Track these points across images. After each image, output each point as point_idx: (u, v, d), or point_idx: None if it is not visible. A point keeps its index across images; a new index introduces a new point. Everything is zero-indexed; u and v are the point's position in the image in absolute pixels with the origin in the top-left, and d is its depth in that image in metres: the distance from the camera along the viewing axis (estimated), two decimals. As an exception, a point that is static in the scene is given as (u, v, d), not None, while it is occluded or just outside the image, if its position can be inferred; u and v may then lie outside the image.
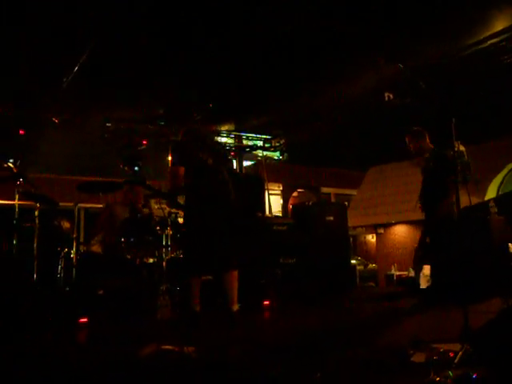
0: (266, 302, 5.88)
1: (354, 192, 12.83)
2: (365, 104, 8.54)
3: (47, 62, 6.57)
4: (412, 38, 6.32)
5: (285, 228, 6.95)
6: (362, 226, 11.92)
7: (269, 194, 9.71)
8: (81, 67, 6.61)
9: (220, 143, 9.47)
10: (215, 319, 4.83)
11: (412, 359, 2.91)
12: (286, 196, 12.73)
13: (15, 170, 5.17)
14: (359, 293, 7.61)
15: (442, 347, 2.90)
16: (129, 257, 5.36)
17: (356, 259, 10.87)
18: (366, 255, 12.11)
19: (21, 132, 6.66)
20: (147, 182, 5.29)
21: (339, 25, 5.99)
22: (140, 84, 7.21)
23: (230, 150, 10.50)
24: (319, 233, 7.14)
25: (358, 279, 9.52)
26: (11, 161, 5.28)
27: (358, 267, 10.23)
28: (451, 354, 2.73)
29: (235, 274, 4.67)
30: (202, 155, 4.74)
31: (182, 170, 4.69)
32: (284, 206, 12.30)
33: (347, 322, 4.85)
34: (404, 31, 6.19)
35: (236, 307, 4.62)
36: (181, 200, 5.01)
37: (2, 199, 5.76)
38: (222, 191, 4.76)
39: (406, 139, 5.66)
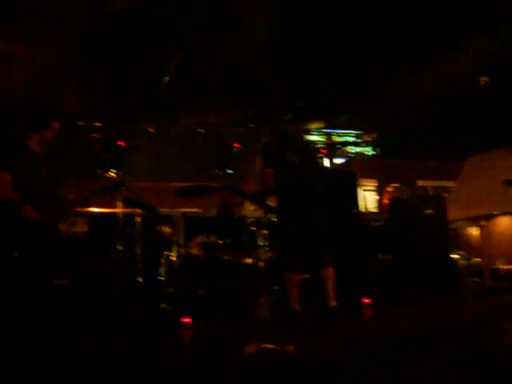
0: (365, 300, 5.78)
1: (452, 184, 12.29)
2: (460, 90, 8.16)
3: (139, 73, 6.88)
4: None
5: (381, 224, 6.80)
6: (462, 219, 11.38)
7: (363, 190, 9.54)
8: (172, 75, 6.85)
9: (309, 142, 9.43)
10: (314, 317, 4.82)
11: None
12: (380, 191, 12.43)
13: (117, 180, 5.45)
14: (464, 289, 7.26)
15: None
16: (227, 258, 5.48)
17: (458, 254, 10.39)
18: (469, 249, 11.54)
19: (120, 143, 7.01)
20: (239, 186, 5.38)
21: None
22: (229, 88, 7.34)
23: (320, 148, 10.42)
24: (418, 227, 6.91)
25: (461, 275, 9.09)
26: (113, 171, 5.58)
27: (461, 262, 9.77)
28: None
29: (331, 270, 4.64)
30: (289, 155, 4.77)
31: (270, 171, 4.76)
32: (379, 202, 12.02)
33: (453, 320, 4.65)
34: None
35: (333, 304, 4.60)
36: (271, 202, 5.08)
37: (106, 207, 6.08)
38: (311, 190, 4.76)
39: None
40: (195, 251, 5.91)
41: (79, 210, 5.69)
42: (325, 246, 4.70)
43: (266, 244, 5.60)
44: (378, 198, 12.33)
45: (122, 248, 5.42)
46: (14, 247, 4.15)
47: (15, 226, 4.14)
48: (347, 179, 7.29)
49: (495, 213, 10.36)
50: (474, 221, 11.14)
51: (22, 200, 4.17)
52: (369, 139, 11.22)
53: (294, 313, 4.67)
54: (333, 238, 4.81)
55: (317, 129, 10.39)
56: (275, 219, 5.72)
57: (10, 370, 3.16)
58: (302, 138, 6.61)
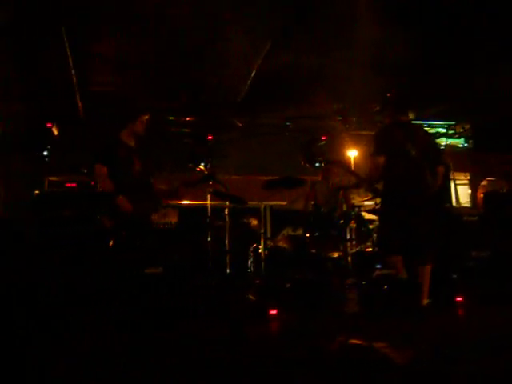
0: (459, 299, 5.54)
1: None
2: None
3: (226, 70, 6.99)
4: None
5: (476, 219, 6.51)
6: None
7: (455, 185, 9.17)
8: (258, 70, 6.90)
9: (432, 136, 9.02)
10: (405, 314, 4.70)
11: None
12: (474, 185, 11.88)
13: (206, 173, 5.58)
14: None
15: None
16: (314, 251, 5.46)
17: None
18: None
19: (209, 137, 7.18)
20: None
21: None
22: (315, 81, 7.28)
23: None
24: (516, 223, 6.55)
25: None
26: (202, 164, 5.71)
27: None
28: None
29: (429, 268, 4.51)
30: (407, 146, 4.62)
31: (381, 159, 4.64)
32: (473, 196, 11.50)
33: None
34: None
35: (426, 301, 4.46)
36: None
37: (196, 200, 6.26)
38: (421, 184, 4.60)
39: None
40: (282, 244, 5.94)
41: (170, 201, 5.90)
42: (426, 242, 4.55)
43: (354, 238, 5.52)
44: (470, 192, 11.79)
45: (210, 239, 5.55)
46: (110, 237, 4.36)
47: (113, 216, 4.35)
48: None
49: None
50: None
51: (117, 192, 4.36)
52: (461, 130, 10.73)
53: (383, 307, 4.58)
54: (432, 234, 4.65)
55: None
56: (366, 212, 5.64)
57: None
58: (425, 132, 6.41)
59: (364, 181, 5.09)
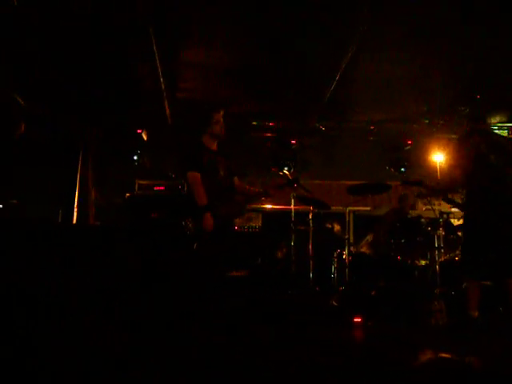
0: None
1: None
2: None
3: (311, 75, 6.99)
4: None
5: None
6: None
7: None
8: (341, 75, 6.84)
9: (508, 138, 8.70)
10: (494, 327, 4.49)
11: None
12: None
13: (290, 177, 5.60)
14: None
15: None
16: (399, 258, 5.34)
17: None
18: None
19: (293, 142, 7.20)
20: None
21: None
22: (402, 83, 7.13)
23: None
24: None
25: None
26: (286, 168, 5.75)
27: None
28: None
29: None
30: (490, 155, 4.47)
31: (459, 171, 4.54)
32: None
33: None
34: None
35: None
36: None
37: (281, 204, 6.30)
38: (504, 191, 4.42)
39: None
40: (365, 250, 5.86)
41: (255, 205, 5.98)
42: None
43: (442, 245, 5.33)
44: None
45: (294, 244, 5.57)
46: (194, 240, 4.46)
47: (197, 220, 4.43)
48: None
49: None
50: None
51: (207, 203, 4.43)
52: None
53: (472, 320, 4.40)
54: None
55: (499, 123, 9.62)
56: (454, 220, 5.45)
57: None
58: (505, 137, 6.12)
59: (438, 191, 4.97)
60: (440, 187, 4.87)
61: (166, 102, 7.94)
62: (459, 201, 4.92)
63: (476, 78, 7.22)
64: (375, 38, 5.97)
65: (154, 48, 6.14)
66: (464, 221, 4.77)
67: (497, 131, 9.38)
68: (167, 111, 8.24)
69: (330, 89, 7.29)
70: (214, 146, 4.72)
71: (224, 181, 4.66)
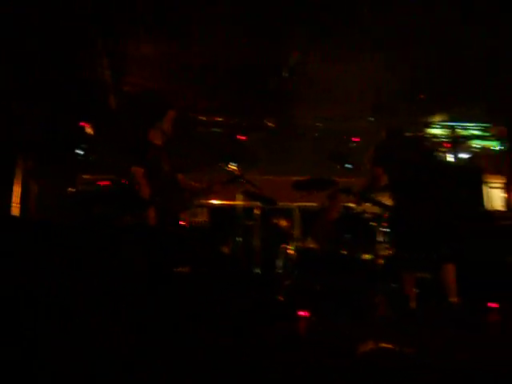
0: (491, 305, 5.42)
1: None
2: None
3: (256, 69, 7.01)
4: None
5: (510, 223, 6.37)
6: None
7: (489, 187, 8.98)
8: (289, 71, 6.90)
9: (426, 139, 9.04)
10: (434, 317, 4.63)
11: None
12: (508, 189, 11.63)
13: (237, 173, 5.58)
14: None
15: None
16: (344, 253, 5.42)
17: None
18: None
19: (240, 137, 7.18)
20: None
21: None
22: (349, 81, 7.25)
23: (443, 143, 9.94)
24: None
25: None
26: (233, 164, 5.72)
27: None
28: None
29: (451, 267, 4.48)
30: (403, 153, 4.66)
31: (380, 170, 4.71)
32: (508, 200, 11.26)
33: None
34: None
35: (455, 300, 4.43)
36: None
37: (228, 200, 6.27)
38: (427, 188, 4.61)
39: None
40: (312, 245, 5.91)
41: (200, 200, 5.94)
42: (444, 242, 4.53)
43: (386, 240, 5.44)
44: (505, 195, 11.55)
45: (240, 239, 5.55)
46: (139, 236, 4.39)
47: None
48: (472, 175, 6.92)
49: None
50: None
51: (150, 199, 4.38)
52: (496, 133, 10.53)
53: (411, 312, 4.55)
54: (453, 235, 4.63)
55: (440, 122, 9.93)
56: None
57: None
58: (419, 134, 6.38)
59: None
60: (361, 188, 5.03)
61: (111, 96, 7.78)
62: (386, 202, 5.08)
63: (420, 78, 7.44)
64: (323, 36, 6.06)
65: (99, 40, 6.02)
66: (390, 218, 4.92)
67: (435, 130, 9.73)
68: (113, 104, 8.08)
69: (278, 85, 7.34)
70: (160, 142, 4.67)
71: (168, 176, 4.62)
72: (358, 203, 5.47)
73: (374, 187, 4.98)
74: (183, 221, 5.30)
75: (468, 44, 6.46)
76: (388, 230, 5.50)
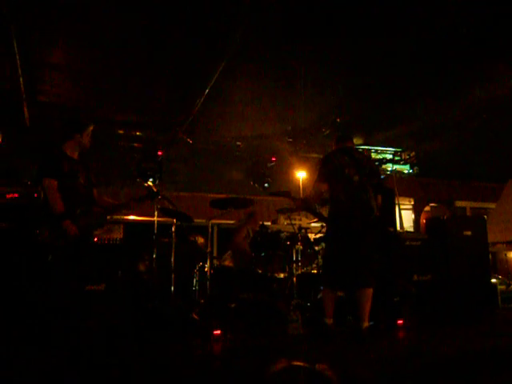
0: (400, 321, 5.64)
1: (491, 205, 12.00)
2: (502, 110, 8.00)
3: (179, 86, 6.99)
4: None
5: (419, 243, 6.67)
6: (502, 243, 11.06)
7: (400, 209, 9.39)
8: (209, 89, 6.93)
9: (372, 160, 9.34)
10: (346, 336, 4.75)
11: None
12: (417, 211, 12.25)
13: (154, 189, 5.50)
14: (501, 314, 7.05)
15: None
16: (260, 271, 5.45)
17: (497, 278, 10.09)
18: (507, 274, 11.20)
19: (159, 153, 7.10)
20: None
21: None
22: (268, 101, 7.38)
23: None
24: (456, 249, 6.75)
25: (499, 300, 8.83)
26: (151, 180, 5.64)
27: (500, 287, 9.48)
28: None
29: (370, 291, 4.58)
30: (349, 171, 4.74)
31: (324, 186, 4.77)
32: (416, 221, 11.84)
33: (488, 345, 4.50)
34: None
35: (366, 324, 4.53)
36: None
37: (144, 216, 6.16)
38: (365, 208, 4.71)
39: None
40: (228, 263, 5.91)
41: (116, 216, 5.79)
42: (366, 265, 4.64)
43: (300, 259, 5.55)
44: (414, 217, 12.14)
45: (156, 256, 5.46)
46: (49, 251, 4.21)
47: (54, 230, 4.20)
48: (384, 197, 7.18)
49: (536, 238, 10.05)
50: (514, 245, 10.81)
51: (65, 212, 4.21)
52: (407, 157, 11.07)
53: (327, 328, 4.62)
54: (374, 257, 4.75)
55: (355, 145, 10.30)
56: (311, 235, 5.69)
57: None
58: (365, 155, 6.57)
59: (302, 204, 5.18)
60: (305, 200, 5.08)
61: (24, 104, 7.47)
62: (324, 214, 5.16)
63: (336, 103, 7.71)
64: (242, 58, 6.14)
65: (15, 47, 5.77)
66: (326, 232, 5.01)
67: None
68: (26, 113, 7.76)
69: (198, 102, 7.34)
70: (76, 155, 4.52)
71: (83, 190, 4.47)
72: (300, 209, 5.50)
73: (315, 201, 5.03)
74: (97, 237, 5.15)
75: (381, 74, 6.77)
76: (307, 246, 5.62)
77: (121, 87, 7.13)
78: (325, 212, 5.04)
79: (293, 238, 5.58)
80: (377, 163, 10.83)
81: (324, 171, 4.84)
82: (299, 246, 5.56)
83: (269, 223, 6.16)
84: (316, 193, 4.85)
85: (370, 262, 4.67)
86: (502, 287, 9.77)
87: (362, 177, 4.78)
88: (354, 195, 4.71)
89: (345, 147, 4.99)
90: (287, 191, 5.19)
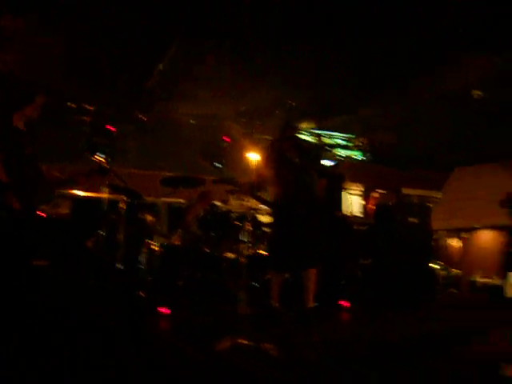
0: (345, 304, 5.77)
1: (437, 194, 12.35)
2: (452, 103, 8.22)
3: (134, 61, 6.86)
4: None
5: (365, 228, 6.83)
6: (444, 230, 11.44)
7: (349, 194, 9.54)
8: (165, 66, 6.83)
9: (319, 145, 9.41)
10: (292, 317, 4.83)
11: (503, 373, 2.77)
12: (366, 196, 12.46)
13: (105, 165, 5.38)
14: (441, 299, 7.32)
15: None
16: (208, 250, 5.46)
17: (438, 264, 10.45)
18: (449, 260, 11.62)
19: (111, 129, 6.93)
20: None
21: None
22: (223, 81, 7.32)
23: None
24: (401, 234, 6.94)
25: (439, 285, 9.15)
26: (101, 155, 5.51)
27: (440, 272, 9.83)
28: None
29: (314, 272, 4.67)
30: (290, 154, 4.81)
31: (269, 172, 4.83)
32: (364, 207, 12.06)
33: (428, 330, 4.67)
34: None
35: (311, 305, 4.63)
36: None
37: (92, 192, 6.03)
38: (306, 191, 4.79)
39: None
40: (177, 242, 5.88)
41: (63, 191, 5.65)
42: (309, 247, 4.73)
43: (249, 240, 5.58)
44: (363, 202, 12.36)
45: (104, 233, 5.38)
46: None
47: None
48: (334, 182, 7.31)
49: (476, 226, 10.44)
50: (456, 232, 11.21)
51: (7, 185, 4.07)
52: (359, 144, 11.22)
53: (273, 310, 4.69)
54: (317, 239, 4.84)
55: (307, 129, 10.37)
56: (260, 216, 5.73)
57: None
58: (311, 142, 6.63)
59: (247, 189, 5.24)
60: (250, 185, 5.12)
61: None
62: (268, 199, 5.21)
63: (289, 86, 7.72)
64: (198, 36, 6.08)
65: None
66: (272, 217, 5.07)
67: (304, 137, 10.15)
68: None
69: (151, 78, 7.23)
70: (22, 126, 4.37)
71: (29, 163, 4.33)
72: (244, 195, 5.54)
73: (259, 187, 5.09)
74: (43, 211, 5.01)
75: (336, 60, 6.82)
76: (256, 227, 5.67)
77: (74, 61, 6.93)
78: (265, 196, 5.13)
79: (242, 218, 5.61)
80: (328, 148, 10.95)
81: (269, 157, 4.92)
82: (248, 227, 5.58)
83: (219, 203, 6.14)
84: (259, 175, 4.93)
85: (315, 245, 4.75)
86: (443, 273, 10.15)
87: (307, 161, 4.87)
88: (297, 179, 4.79)
89: (290, 135, 5.09)
90: (232, 178, 5.24)
